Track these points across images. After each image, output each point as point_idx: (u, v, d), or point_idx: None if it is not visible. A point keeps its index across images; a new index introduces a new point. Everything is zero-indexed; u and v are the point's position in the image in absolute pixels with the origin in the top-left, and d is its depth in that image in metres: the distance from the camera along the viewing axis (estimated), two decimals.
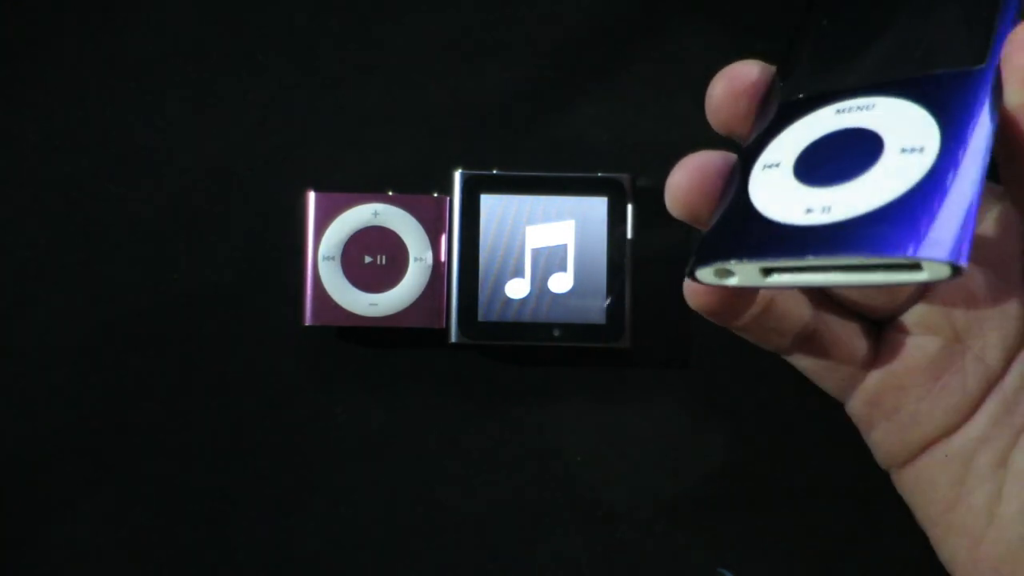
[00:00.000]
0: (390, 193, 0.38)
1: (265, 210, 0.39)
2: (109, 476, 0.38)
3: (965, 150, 0.19)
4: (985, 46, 0.20)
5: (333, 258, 0.37)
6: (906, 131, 0.20)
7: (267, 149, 0.40)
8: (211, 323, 0.39)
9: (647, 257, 0.38)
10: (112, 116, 0.40)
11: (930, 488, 0.28)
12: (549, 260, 0.37)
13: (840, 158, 0.20)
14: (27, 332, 0.39)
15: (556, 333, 0.37)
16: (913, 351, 0.27)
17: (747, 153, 0.23)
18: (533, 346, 0.38)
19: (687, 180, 0.24)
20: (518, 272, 0.37)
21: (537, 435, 0.39)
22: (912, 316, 0.27)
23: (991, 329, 0.26)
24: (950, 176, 0.19)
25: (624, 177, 0.37)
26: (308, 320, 0.37)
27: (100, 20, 0.40)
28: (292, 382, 0.39)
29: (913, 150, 0.19)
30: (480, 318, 0.37)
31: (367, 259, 0.38)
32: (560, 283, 0.37)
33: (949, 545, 0.28)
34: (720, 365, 0.39)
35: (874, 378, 0.29)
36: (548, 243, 0.37)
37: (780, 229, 0.20)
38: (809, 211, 0.20)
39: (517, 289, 0.37)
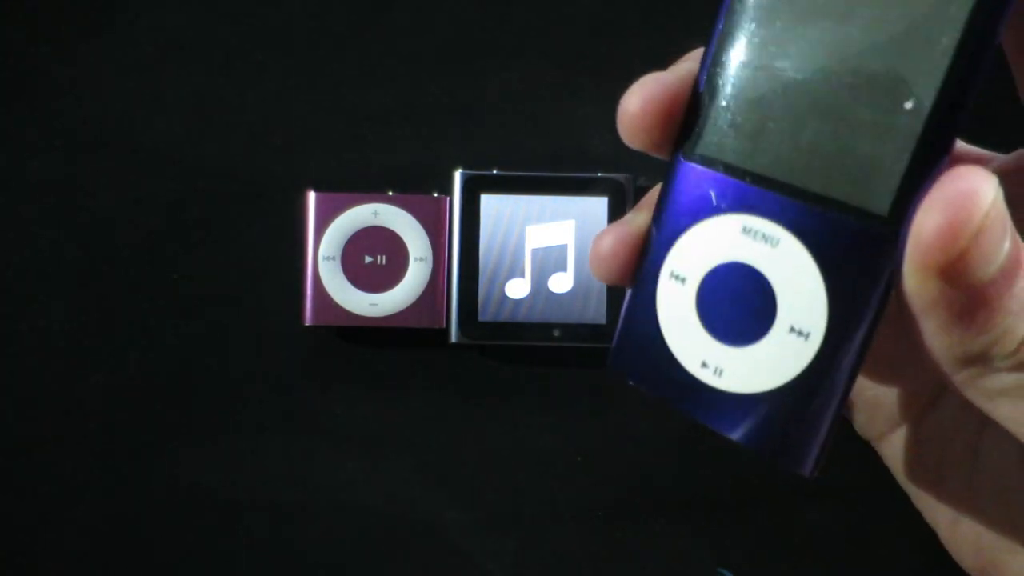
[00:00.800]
0: (390, 193, 0.38)
1: (265, 210, 0.39)
2: (109, 476, 0.38)
3: (848, 344, 0.19)
4: (892, 199, 0.18)
5: (333, 258, 0.37)
6: (798, 302, 0.20)
7: (267, 149, 0.40)
8: (211, 323, 0.39)
9: None
10: (112, 116, 0.40)
11: (907, 465, 0.28)
12: (549, 260, 0.37)
13: (737, 309, 0.21)
14: (27, 332, 0.39)
15: (556, 333, 0.37)
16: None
17: (654, 244, 0.23)
18: (533, 346, 0.38)
19: (640, 108, 0.23)
20: (518, 272, 0.37)
21: (537, 435, 0.39)
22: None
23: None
24: (825, 379, 0.20)
25: (624, 177, 0.37)
26: (308, 320, 0.37)
27: (100, 20, 0.40)
28: (292, 382, 0.39)
29: (800, 333, 0.20)
30: (480, 318, 0.37)
31: (367, 259, 0.38)
32: (560, 283, 0.37)
33: (930, 517, 0.28)
34: None
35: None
36: (548, 243, 0.37)
37: (679, 372, 0.22)
38: (704, 366, 0.22)
39: (517, 289, 0.37)
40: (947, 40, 0.18)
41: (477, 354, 0.39)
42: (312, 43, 0.40)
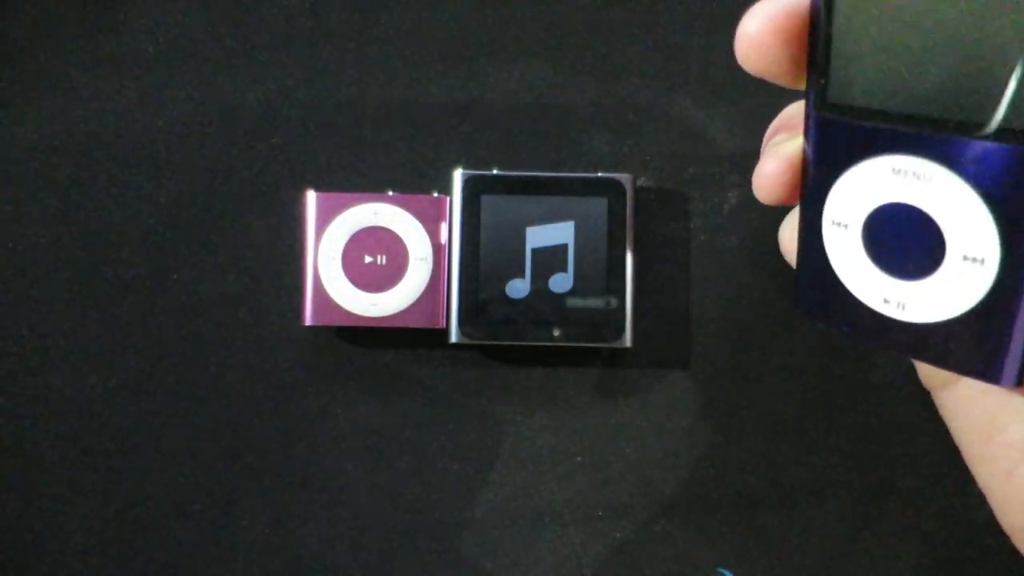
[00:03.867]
0: (390, 193, 0.38)
1: (265, 210, 0.39)
2: (109, 476, 0.38)
3: None
4: None
5: (333, 258, 0.37)
6: (966, 231, 0.20)
7: (267, 149, 0.40)
8: (211, 323, 0.39)
9: (647, 257, 0.38)
10: (112, 116, 0.40)
11: (966, 416, 0.27)
12: (549, 260, 0.37)
13: (906, 247, 0.21)
14: (27, 332, 0.39)
15: (556, 333, 0.37)
16: None
17: (809, 192, 0.23)
18: (533, 346, 0.38)
19: (759, 30, 0.22)
20: (518, 272, 0.37)
21: (537, 435, 0.39)
22: None
23: None
24: (1010, 296, 0.19)
25: (624, 177, 0.37)
26: (308, 320, 0.37)
27: (100, 20, 0.40)
28: (292, 382, 0.39)
29: (975, 260, 0.20)
30: (480, 318, 0.37)
31: (367, 259, 0.38)
32: (560, 283, 0.37)
33: (983, 475, 0.27)
34: (720, 365, 0.39)
35: None
36: (548, 243, 0.37)
37: (862, 309, 0.22)
38: (886, 302, 0.22)
39: (517, 289, 0.37)
40: None
41: (477, 354, 0.39)
42: (312, 43, 0.40)
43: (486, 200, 0.37)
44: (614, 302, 0.37)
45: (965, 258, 0.20)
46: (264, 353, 0.39)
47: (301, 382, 0.39)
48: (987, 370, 0.20)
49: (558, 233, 0.37)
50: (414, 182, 0.39)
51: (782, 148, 0.23)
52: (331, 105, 0.40)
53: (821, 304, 0.23)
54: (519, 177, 0.38)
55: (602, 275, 0.37)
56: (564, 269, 0.37)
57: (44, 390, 0.39)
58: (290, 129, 0.40)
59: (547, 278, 0.37)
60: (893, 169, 0.21)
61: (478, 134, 0.40)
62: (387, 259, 0.38)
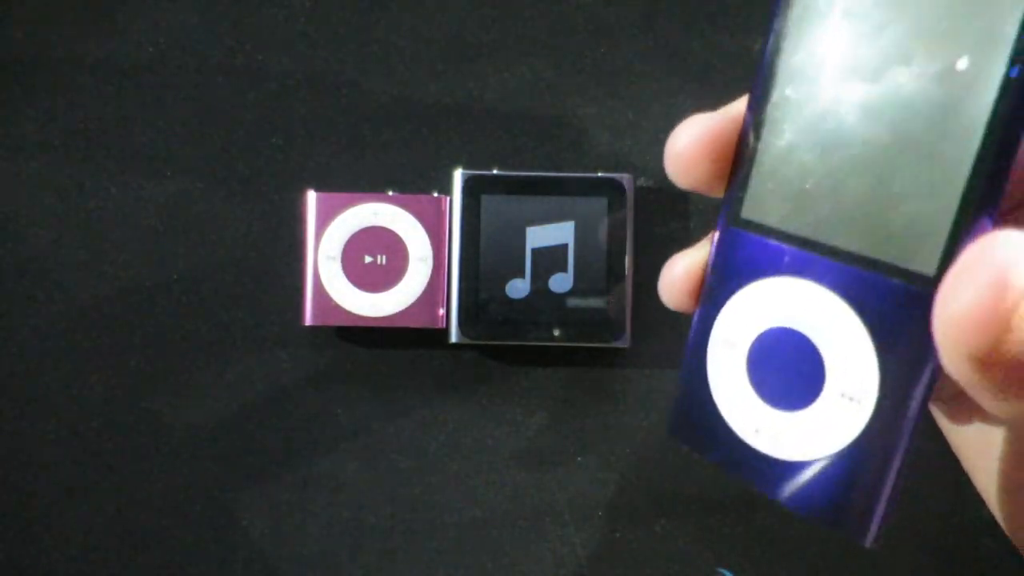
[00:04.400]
0: (390, 193, 0.38)
1: (265, 210, 0.39)
2: (109, 476, 0.38)
3: (902, 408, 0.19)
4: (939, 259, 0.17)
5: (333, 258, 0.37)
6: (848, 367, 0.20)
7: (267, 149, 0.40)
8: (211, 323, 0.39)
9: (647, 257, 0.38)
10: (112, 116, 0.40)
11: (960, 430, 0.28)
12: (549, 260, 0.37)
13: (788, 374, 0.21)
14: (27, 332, 0.39)
15: (556, 333, 0.37)
16: None
17: (705, 306, 0.23)
18: (533, 346, 0.38)
19: (687, 148, 0.23)
20: (518, 272, 0.37)
21: (537, 435, 0.39)
22: None
23: None
24: (880, 445, 0.19)
25: (624, 177, 0.37)
26: (308, 320, 0.37)
27: (100, 20, 0.40)
28: (292, 382, 0.39)
29: (852, 399, 0.20)
30: (480, 318, 0.37)
31: (367, 259, 0.38)
32: (560, 283, 0.37)
33: (983, 483, 0.27)
34: None
35: None
36: (548, 243, 0.37)
37: (734, 439, 0.22)
38: (758, 432, 0.21)
39: (517, 289, 0.37)
40: (989, 94, 0.17)
41: (477, 354, 0.39)
42: (312, 43, 0.40)
43: (486, 200, 0.37)
44: (614, 302, 0.37)
45: (843, 395, 0.20)
46: (264, 353, 0.39)
47: (301, 382, 0.39)
48: (847, 523, 0.19)
49: (558, 233, 0.37)
50: (414, 182, 0.39)
51: (689, 256, 0.24)
52: (331, 105, 0.40)
53: (693, 428, 0.23)
54: (519, 177, 0.38)
55: (602, 275, 0.37)
56: (564, 269, 0.37)
57: (44, 390, 0.39)
58: (290, 129, 0.40)
59: (547, 278, 0.37)
60: (790, 292, 0.21)
61: (478, 134, 0.40)
62: (387, 259, 0.38)
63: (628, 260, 0.37)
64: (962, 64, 0.17)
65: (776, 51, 0.21)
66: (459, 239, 0.37)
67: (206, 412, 0.39)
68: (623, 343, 0.37)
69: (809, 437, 0.20)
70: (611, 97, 0.40)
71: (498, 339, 0.37)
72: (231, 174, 0.40)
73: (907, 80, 0.18)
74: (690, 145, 0.22)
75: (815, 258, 0.20)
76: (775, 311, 0.21)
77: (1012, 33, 0.16)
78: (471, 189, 0.37)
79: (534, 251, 0.37)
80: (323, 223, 0.37)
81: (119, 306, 0.39)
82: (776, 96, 0.21)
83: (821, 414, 0.20)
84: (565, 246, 0.37)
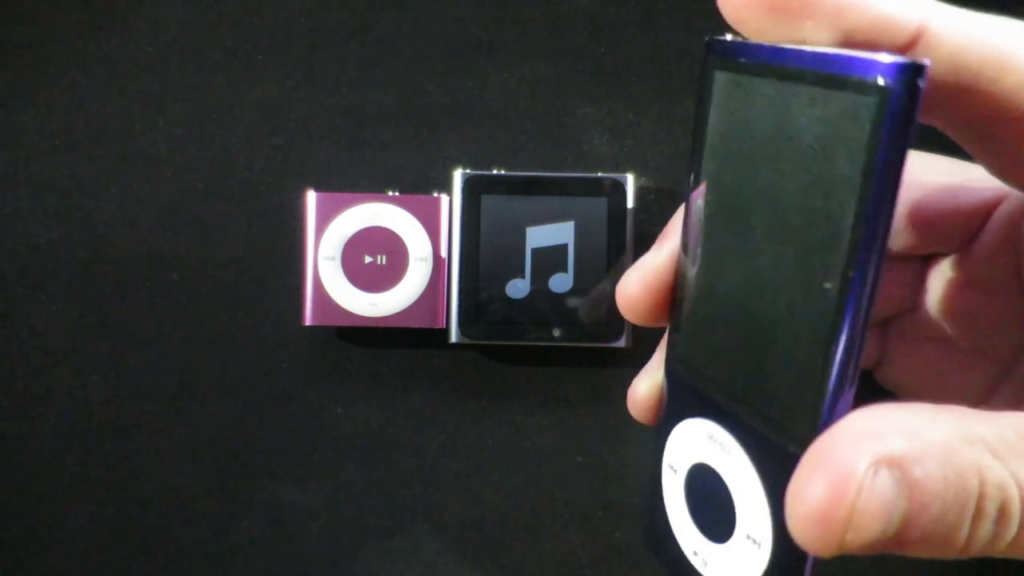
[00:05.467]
0: (390, 193, 0.38)
1: (265, 210, 0.39)
2: (109, 476, 0.38)
3: (796, 557, 0.19)
4: (807, 426, 0.18)
5: (333, 258, 0.37)
6: (751, 511, 0.21)
7: (267, 149, 0.40)
8: (211, 323, 0.39)
9: None
10: (112, 116, 0.40)
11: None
12: (549, 260, 0.37)
13: (712, 506, 0.22)
14: (27, 332, 0.39)
15: (556, 333, 0.37)
16: (916, 355, 0.27)
17: (658, 429, 0.25)
18: (533, 346, 0.38)
19: (636, 291, 0.25)
20: (518, 272, 0.37)
21: (537, 435, 0.39)
22: (913, 322, 0.27)
23: (995, 332, 0.26)
24: None
25: (624, 177, 0.37)
26: (308, 320, 0.37)
27: (100, 20, 0.40)
28: (292, 382, 0.39)
29: (755, 541, 0.21)
30: (480, 318, 0.37)
31: (367, 259, 0.38)
32: (560, 283, 0.37)
33: None
34: None
35: (882, 378, 0.29)
36: (548, 243, 0.37)
37: (683, 557, 0.23)
38: (695, 555, 0.23)
39: (517, 289, 0.37)
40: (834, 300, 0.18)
41: (477, 354, 0.39)
42: (312, 43, 0.40)
43: (486, 200, 0.37)
44: (614, 302, 0.37)
45: (748, 536, 0.21)
46: (264, 353, 0.39)
47: (301, 382, 0.39)
48: None
49: (558, 233, 0.37)
50: (414, 182, 0.39)
51: (649, 378, 0.26)
52: (331, 105, 0.40)
53: (658, 541, 0.25)
54: (519, 177, 0.38)
55: (602, 275, 0.37)
56: (564, 269, 0.37)
57: (44, 390, 0.39)
58: (290, 129, 0.40)
59: (547, 278, 0.37)
60: (708, 433, 0.22)
61: (478, 134, 0.40)
62: (387, 259, 0.38)
63: (628, 260, 0.37)
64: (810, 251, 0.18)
65: (692, 193, 0.22)
66: (459, 239, 0.37)
67: (206, 412, 0.39)
68: (623, 343, 0.37)
69: (730, 569, 0.22)
70: (611, 97, 0.40)
71: (498, 339, 0.37)
72: (231, 174, 0.40)
73: (776, 254, 0.19)
74: (637, 288, 0.25)
75: (722, 406, 0.21)
76: (702, 448, 0.22)
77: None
78: (471, 189, 0.37)
79: (534, 251, 0.37)
80: (323, 223, 0.37)
81: (119, 306, 0.39)
82: (691, 245, 0.22)
83: (735, 551, 0.21)
84: (565, 246, 0.37)
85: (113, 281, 0.39)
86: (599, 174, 0.38)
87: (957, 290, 0.26)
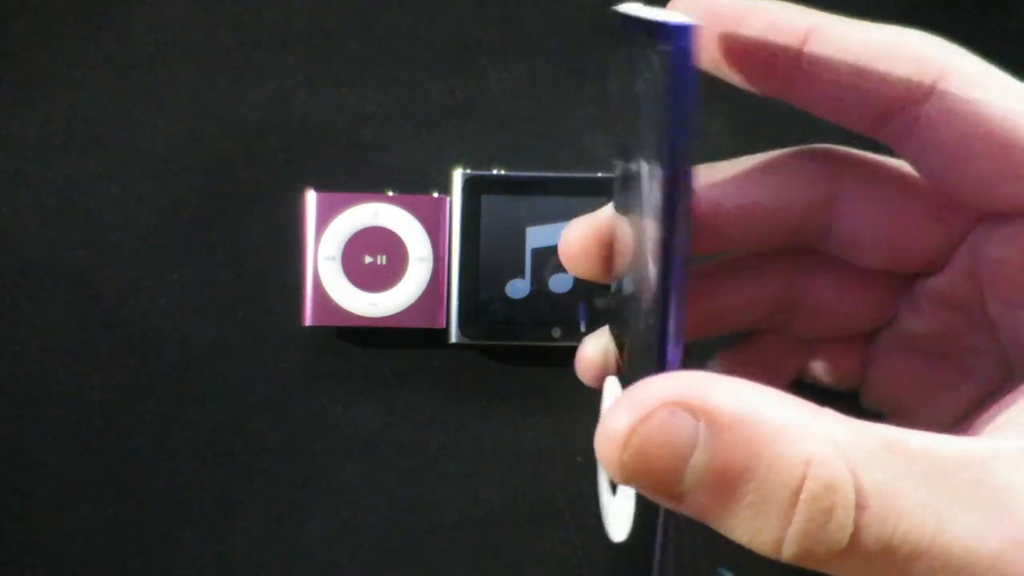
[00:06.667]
0: (390, 193, 0.38)
1: (265, 210, 0.39)
2: (109, 476, 0.38)
3: (651, 509, 0.20)
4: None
5: (333, 258, 0.37)
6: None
7: (267, 149, 0.40)
8: (211, 323, 0.39)
9: None
10: (112, 116, 0.40)
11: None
12: (549, 260, 0.37)
13: None
14: (27, 332, 0.39)
15: (556, 333, 0.37)
16: (899, 372, 0.27)
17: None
18: (533, 346, 0.38)
19: (576, 245, 0.26)
20: (518, 272, 0.37)
21: (537, 435, 0.39)
22: (895, 338, 0.27)
23: (972, 352, 0.25)
24: (641, 538, 0.21)
25: None
26: (308, 320, 0.37)
27: (100, 20, 0.40)
28: (292, 382, 0.39)
29: (626, 494, 0.22)
30: (480, 318, 0.37)
31: (367, 259, 0.38)
32: (560, 283, 0.37)
33: None
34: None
35: (866, 399, 0.29)
36: (548, 243, 0.37)
37: (600, 511, 0.25)
38: (605, 507, 0.24)
39: (517, 289, 0.37)
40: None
41: (477, 354, 0.39)
42: (312, 43, 0.40)
43: (486, 200, 0.37)
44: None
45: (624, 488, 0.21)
46: (264, 353, 0.39)
47: (301, 382, 0.39)
48: None
49: (558, 233, 0.37)
50: (414, 182, 0.39)
51: (592, 215, 0.26)
52: (331, 105, 0.40)
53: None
54: (519, 177, 0.38)
55: None
56: (564, 269, 0.37)
57: (44, 390, 0.39)
58: (290, 129, 0.40)
59: (547, 278, 0.37)
60: (615, 391, 0.24)
61: (478, 134, 0.40)
62: (387, 259, 0.38)
63: None
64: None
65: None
66: (459, 239, 0.37)
67: (206, 412, 0.39)
68: None
69: (617, 521, 0.23)
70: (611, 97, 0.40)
71: (498, 339, 0.37)
72: (231, 174, 0.40)
73: (639, 215, 0.20)
74: (575, 240, 0.26)
75: (621, 366, 0.23)
76: (609, 402, 0.23)
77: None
78: (471, 189, 0.37)
79: (534, 251, 0.37)
80: (323, 223, 0.37)
81: (119, 306, 0.39)
82: (615, 205, 0.24)
83: (620, 502, 0.22)
84: None
85: (113, 281, 0.39)
86: (599, 174, 0.38)
87: (936, 309, 0.25)
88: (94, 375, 0.39)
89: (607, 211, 0.25)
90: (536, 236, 0.37)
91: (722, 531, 0.18)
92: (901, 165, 0.24)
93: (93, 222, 0.39)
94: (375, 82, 0.40)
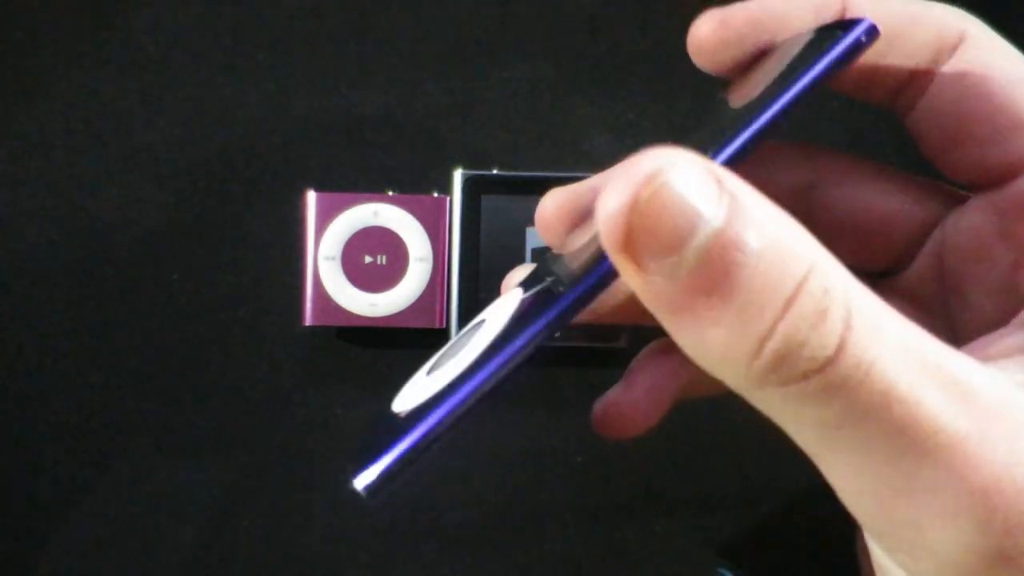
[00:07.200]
0: (390, 193, 0.38)
1: (265, 210, 0.39)
2: (109, 476, 0.38)
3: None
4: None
5: (333, 258, 0.37)
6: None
7: (267, 149, 0.40)
8: (211, 323, 0.39)
9: None
10: (112, 116, 0.40)
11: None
12: None
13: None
14: (27, 332, 0.39)
15: (556, 333, 0.37)
16: None
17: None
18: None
19: (555, 212, 0.26)
20: None
21: (537, 435, 0.39)
22: None
23: None
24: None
25: None
26: (308, 320, 0.37)
27: (100, 20, 0.40)
28: (292, 382, 0.39)
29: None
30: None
31: (367, 259, 0.38)
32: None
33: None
34: None
35: None
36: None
37: None
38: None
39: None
40: None
41: None
42: (312, 43, 0.40)
43: (486, 200, 0.37)
44: None
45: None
46: (264, 353, 0.39)
47: (301, 382, 0.39)
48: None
49: None
50: (414, 182, 0.39)
51: (570, 186, 0.26)
52: (331, 105, 0.40)
53: None
54: (519, 177, 0.38)
55: None
56: None
57: (44, 390, 0.39)
58: (290, 129, 0.40)
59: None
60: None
61: (478, 134, 0.40)
62: (387, 259, 0.38)
63: None
64: None
65: None
66: (459, 239, 0.37)
67: (206, 412, 0.39)
68: (623, 343, 0.37)
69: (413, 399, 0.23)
70: (611, 97, 0.40)
71: None
72: (231, 174, 0.40)
73: None
74: (553, 211, 0.26)
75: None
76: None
77: None
78: (471, 189, 0.37)
79: (534, 251, 0.37)
80: (323, 223, 0.37)
81: (119, 306, 0.39)
82: None
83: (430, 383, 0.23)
84: None
85: (113, 281, 0.39)
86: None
87: (900, 308, 0.26)
88: (94, 375, 0.39)
89: (588, 184, 0.25)
90: (536, 236, 0.37)
91: (685, 333, 0.16)
92: (877, 162, 0.25)
93: (93, 222, 0.39)
94: (375, 82, 0.40)
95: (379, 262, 0.38)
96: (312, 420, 0.39)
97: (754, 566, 0.38)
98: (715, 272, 0.15)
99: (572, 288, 0.19)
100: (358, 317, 0.37)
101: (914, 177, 0.25)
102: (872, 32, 0.19)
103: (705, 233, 0.15)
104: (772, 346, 0.15)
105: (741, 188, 0.15)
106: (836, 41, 0.19)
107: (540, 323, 0.20)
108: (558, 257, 0.24)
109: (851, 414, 0.15)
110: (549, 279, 0.22)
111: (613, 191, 0.15)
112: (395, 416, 0.22)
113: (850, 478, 0.17)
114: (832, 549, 0.38)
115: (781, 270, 0.15)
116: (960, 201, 0.24)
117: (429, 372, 0.23)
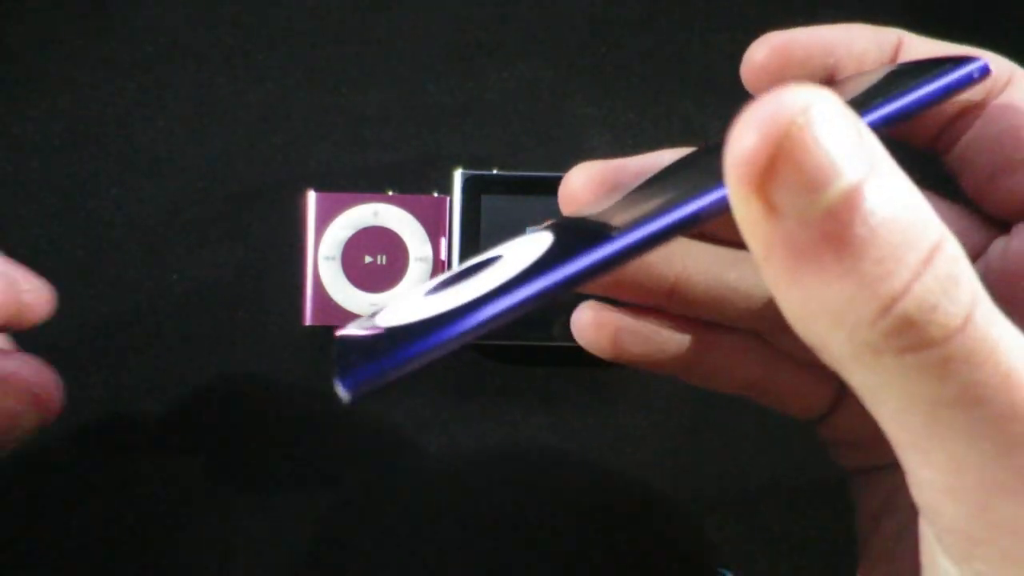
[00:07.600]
0: (390, 193, 0.38)
1: (265, 210, 0.39)
2: (109, 476, 0.38)
3: None
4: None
5: (333, 258, 0.37)
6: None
7: (267, 149, 0.40)
8: (211, 323, 0.39)
9: None
10: (112, 116, 0.40)
11: (858, 502, 0.29)
12: None
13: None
14: (27, 333, 0.39)
15: (556, 333, 0.37)
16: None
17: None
18: (533, 346, 0.38)
19: (583, 184, 0.26)
20: None
21: (537, 435, 0.39)
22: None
23: None
24: None
25: None
26: (308, 320, 0.37)
27: (100, 20, 0.40)
28: (292, 382, 0.39)
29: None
30: None
31: (367, 259, 0.38)
32: None
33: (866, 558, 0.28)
34: None
35: (832, 431, 0.28)
36: None
37: None
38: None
39: None
40: None
41: (477, 354, 0.39)
42: (312, 43, 0.40)
43: (486, 200, 0.37)
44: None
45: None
46: (264, 353, 0.39)
47: (301, 382, 0.39)
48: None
49: None
50: (414, 182, 0.39)
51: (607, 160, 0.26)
52: (331, 105, 0.40)
53: None
54: (519, 177, 0.38)
55: None
56: None
57: None
58: (290, 129, 0.40)
59: None
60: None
61: (478, 134, 0.40)
62: (387, 259, 0.38)
63: None
64: None
65: None
66: (459, 239, 0.37)
67: (206, 412, 0.39)
68: None
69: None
70: (611, 97, 0.40)
71: (498, 339, 0.37)
72: (231, 174, 0.40)
73: None
74: (584, 182, 0.26)
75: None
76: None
77: None
78: (471, 189, 0.37)
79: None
80: (323, 223, 0.37)
81: (119, 307, 0.39)
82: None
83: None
84: None
85: (113, 281, 0.39)
86: None
87: None
88: (94, 375, 0.39)
89: (617, 161, 0.25)
90: None
91: (801, 286, 0.14)
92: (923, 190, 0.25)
93: (93, 222, 0.39)
94: (375, 82, 0.40)
95: (379, 262, 0.38)
96: (312, 420, 0.39)
97: (754, 566, 0.38)
98: (855, 219, 0.14)
99: (651, 218, 0.17)
100: (358, 317, 0.37)
101: (954, 205, 0.25)
102: (984, 71, 0.19)
103: (849, 178, 0.14)
104: (903, 306, 0.14)
105: (878, 145, 0.15)
106: (948, 70, 0.19)
107: (618, 243, 0.17)
108: (583, 218, 0.23)
109: (970, 393, 0.14)
110: (590, 222, 0.21)
111: (751, 123, 0.14)
112: (382, 329, 0.21)
113: (951, 472, 0.15)
114: (832, 549, 0.38)
115: (921, 228, 0.14)
116: (1003, 230, 0.23)
117: (427, 294, 0.22)
